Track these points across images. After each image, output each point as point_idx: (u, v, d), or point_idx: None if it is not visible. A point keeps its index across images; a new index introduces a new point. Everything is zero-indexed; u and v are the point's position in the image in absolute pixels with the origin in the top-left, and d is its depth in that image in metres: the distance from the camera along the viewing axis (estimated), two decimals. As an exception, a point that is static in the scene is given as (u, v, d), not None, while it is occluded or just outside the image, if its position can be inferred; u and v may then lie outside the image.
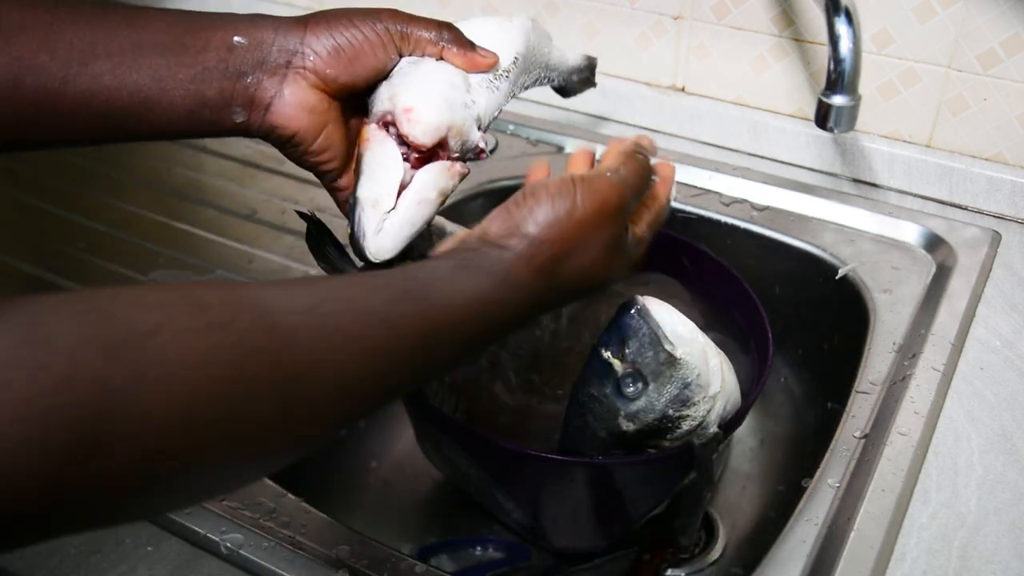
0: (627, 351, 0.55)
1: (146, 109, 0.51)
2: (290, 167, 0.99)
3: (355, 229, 0.52)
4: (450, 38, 0.56)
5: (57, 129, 0.51)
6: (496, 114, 0.59)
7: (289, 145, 0.55)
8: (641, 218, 0.58)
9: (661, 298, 0.57)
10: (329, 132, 0.55)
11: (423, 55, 0.56)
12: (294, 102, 0.53)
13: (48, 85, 0.49)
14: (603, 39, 1.01)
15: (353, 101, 0.56)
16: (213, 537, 0.58)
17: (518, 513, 0.69)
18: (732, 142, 0.97)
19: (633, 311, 0.55)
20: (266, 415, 0.37)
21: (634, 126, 1.01)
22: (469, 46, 0.57)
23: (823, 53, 0.88)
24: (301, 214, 0.59)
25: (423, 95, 0.54)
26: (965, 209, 0.88)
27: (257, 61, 0.53)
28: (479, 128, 0.56)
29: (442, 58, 0.56)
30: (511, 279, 0.49)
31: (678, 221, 0.91)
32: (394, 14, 0.55)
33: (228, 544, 0.57)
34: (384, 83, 0.55)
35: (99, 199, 0.96)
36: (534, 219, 0.51)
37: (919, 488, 0.60)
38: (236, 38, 0.52)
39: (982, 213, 0.87)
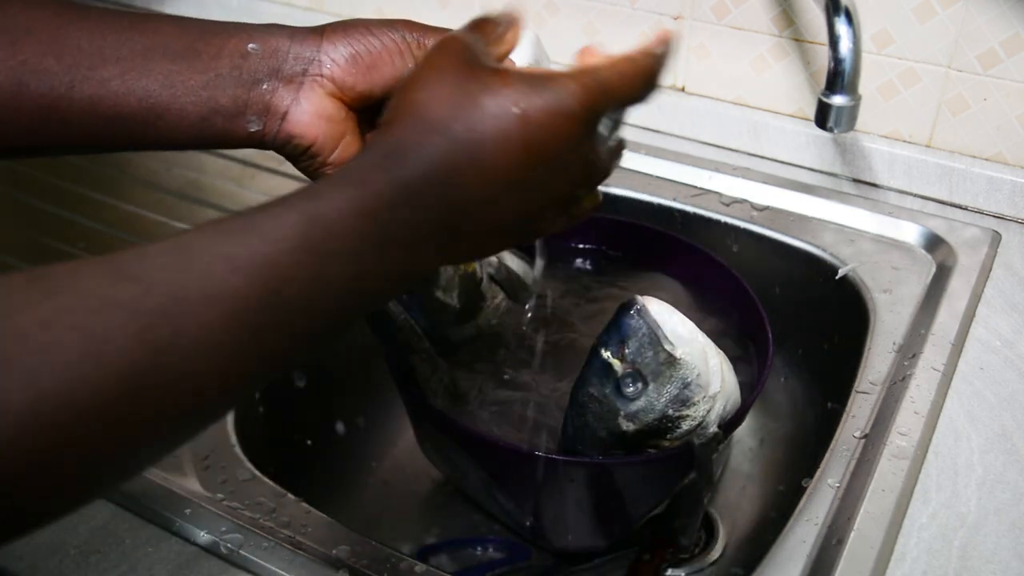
0: (627, 351, 0.55)
1: (155, 116, 0.50)
2: (290, 167, 0.98)
3: None
4: None
5: (64, 135, 0.49)
6: None
7: (307, 156, 0.53)
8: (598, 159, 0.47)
9: (661, 298, 0.57)
10: (347, 143, 0.53)
11: None
12: (311, 110, 0.52)
13: (54, 90, 0.48)
14: (603, 39, 1.01)
15: (368, 112, 0.54)
16: (213, 537, 0.58)
17: (518, 513, 0.69)
18: (732, 142, 0.97)
19: (633, 311, 0.56)
20: (137, 370, 0.32)
21: (634, 126, 1.01)
22: None
23: (823, 53, 0.88)
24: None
25: None
26: (965, 209, 0.88)
27: (272, 69, 0.51)
28: None
29: None
30: (396, 155, 0.41)
31: (678, 221, 0.91)
32: (410, 24, 0.54)
33: (228, 544, 0.57)
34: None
35: (99, 199, 0.96)
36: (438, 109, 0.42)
37: (919, 488, 0.60)
38: (251, 45, 0.51)
39: (982, 213, 0.87)
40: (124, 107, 0.49)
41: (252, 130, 0.52)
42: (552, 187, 0.45)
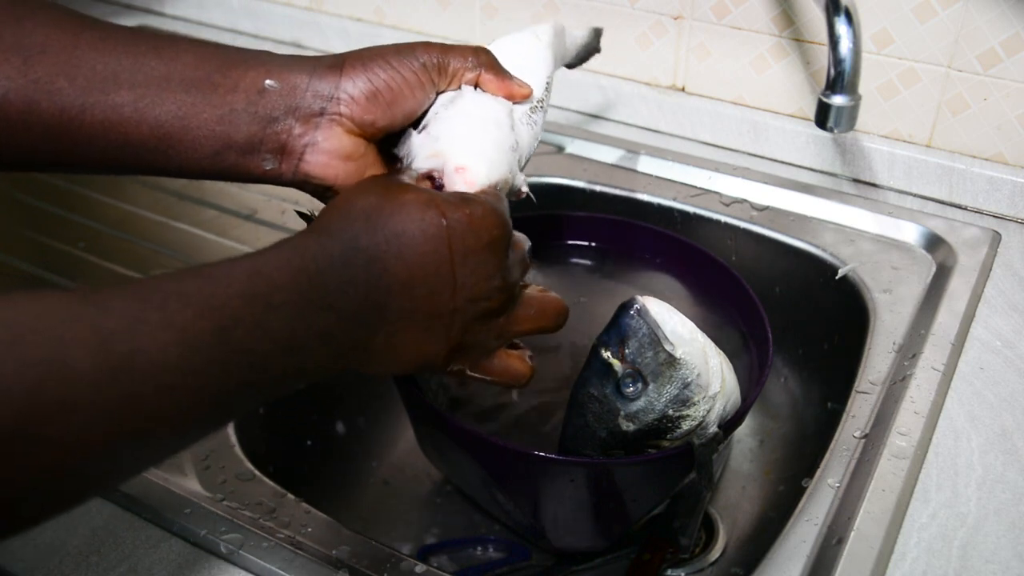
0: (627, 351, 0.55)
1: (167, 146, 0.49)
2: (290, 167, 0.99)
3: None
4: (485, 62, 0.54)
5: (73, 156, 0.49)
6: (534, 150, 0.57)
7: (329, 194, 0.53)
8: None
9: (661, 298, 0.57)
10: (369, 175, 0.53)
11: (460, 86, 0.54)
12: (329, 149, 0.51)
13: (66, 112, 0.47)
14: (603, 39, 1.01)
15: (389, 139, 0.54)
16: (213, 537, 0.58)
17: (518, 513, 0.69)
18: (732, 142, 0.97)
19: (632, 311, 0.55)
20: (96, 382, 0.33)
21: (634, 126, 1.01)
22: (506, 74, 0.55)
23: (823, 53, 0.88)
24: (301, 214, 0.59)
25: (475, 150, 0.51)
26: (965, 209, 0.88)
27: (289, 106, 0.50)
28: (520, 168, 0.55)
29: (478, 85, 0.54)
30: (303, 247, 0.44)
31: (678, 221, 0.91)
32: (428, 47, 0.53)
33: (228, 544, 0.57)
34: (421, 134, 0.52)
35: (99, 199, 0.96)
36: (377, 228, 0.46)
37: (919, 488, 0.60)
38: (268, 81, 0.50)
39: (982, 213, 0.87)
40: (135, 135, 0.48)
41: (267, 168, 0.51)
42: (469, 285, 0.48)
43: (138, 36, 0.49)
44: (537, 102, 0.57)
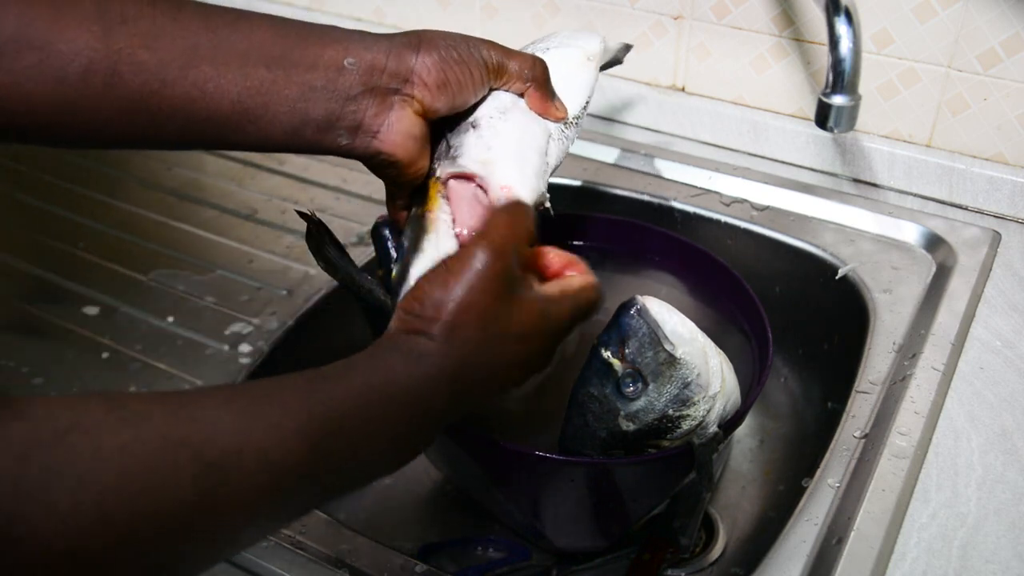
0: (627, 351, 0.55)
1: (247, 121, 0.49)
2: (290, 167, 0.99)
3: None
4: (537, 77, 0.57)
5: (150, 130, 0.48)
6: (561, 162, 0.60)
7: (389, 167, 0.55)
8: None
9: (661, 298, 0.57)
10: (425, 155, 0.55)
11: (509, 90, 0.57)
12: (402, 130, 0.53)
13: (147, 85, 0.46)
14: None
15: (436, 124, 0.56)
16: (213, 537, 0.58)
17: (518, 513, 0.69)
18: (732, 142, 0.97)
19: (633, 311, 0.55)
20: (189, 509, 0.35)
21: (634, 126, 1.01)
22: (550, 95, 0.58)
23: (823, 53, 0.88)
24: (301, 214, 0.59)
25: (522, 173, 0.54)
26: (965, 209, 0.88)
27: (367, 86, 0.51)
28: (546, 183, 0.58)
29: (522, 95, 0.57)
30: (420, 357, 0.45)
31: (678, 221, 0.91)
32: (493, 46, 0.56)
33: (228, 544, 0.57)
34: (474, 133, 0.55)
35: (99, 199, 0.96)
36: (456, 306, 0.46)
37: (919, 488, 0.60)
38: (348, 60, 0.51)
39: (982, 213, 0.87)
40: (216, 110, 0.48)
41: (342, 143, 0.52)
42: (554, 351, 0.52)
43: (211, 10, 0.49)
44: (573, 119, 0.60)
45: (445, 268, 0.47)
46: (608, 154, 0.97)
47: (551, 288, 0.51)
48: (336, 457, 0.41)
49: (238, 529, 0.38)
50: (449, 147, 0.56)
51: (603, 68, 0.73)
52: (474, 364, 0.46)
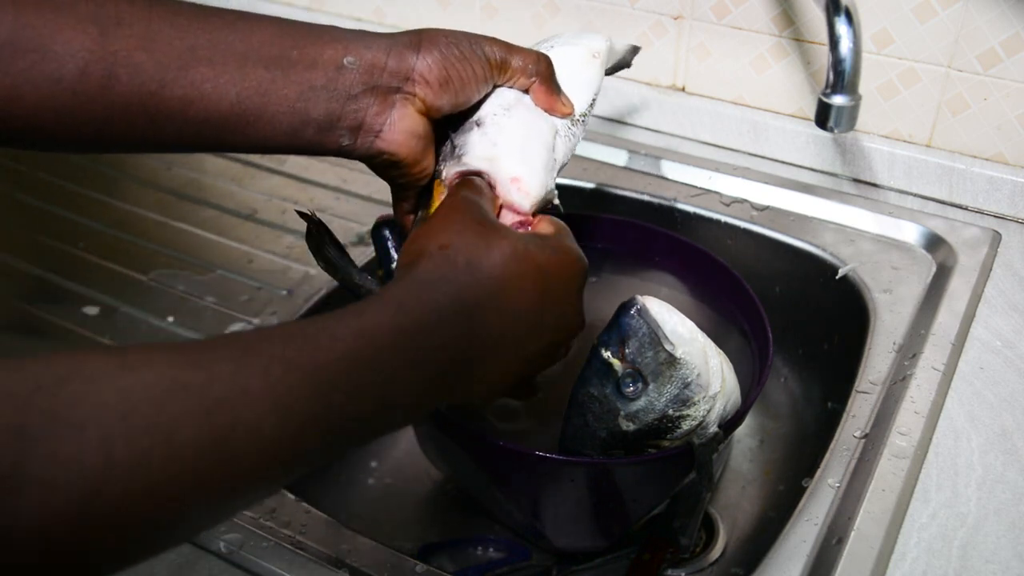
0: (627, 351, 0.55)
1: (246, 123, 0.49)
2: (290, 167, 0.99)
3: None
4: (542, 72, 0.56)
5: (147, 134, 0.48)
6: (568, 160, 0.60)
7: (391, 167, 0.54)
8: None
9: (661, 298, 0.57)
10: (428, 153, 0.55)
11: (513, 86, 0.56)
12: (404, 128, 0.52)
13: (145, 87, 0.46)
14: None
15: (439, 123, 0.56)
16: (213, 537, 0.58)
17: (518, 513, 0.69)
18: (732, 142, 0.97)
19: (633, 311, 0.56)
20: (202, 453, 0.34)
21: (634, 126, 1.01)
22: (556, 90, 0.58)
23: (823, 53, 0.88)
24: (301, 214, 0.59)
25: (530, 166, 0.54)
26: (965, 209, 0.88)
27: (368, 85, 0.51)
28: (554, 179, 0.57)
29: (527, 91, 0.57)
30: (423, 283, 0.45)
31: (678, 221, 0.91)
32: (495, 42, 0.55)
33: (228, 544, 0.57)
34: (478, 131, 0.55)
35: (99, 199, 0.96)
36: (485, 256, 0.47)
37: (919, 488, 0.60)
38: (347, 59, 0.51)
39: (982, 213, 0.87)
40: (215, 111, 0.48)
41: (343, 144, 0.52)
42: (552, 328, 0.51)
43: (209, 11, 0.49)
44: (580, 116, 0.60)
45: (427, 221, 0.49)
46: (608, 154, 0.97)
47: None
48: (342, 391, 0.40)
49: (253, 475, 0.37)
50: (454, 147, 0.56)
51: (611, 71, 0.73)
52: (476, 273, 0.47)
